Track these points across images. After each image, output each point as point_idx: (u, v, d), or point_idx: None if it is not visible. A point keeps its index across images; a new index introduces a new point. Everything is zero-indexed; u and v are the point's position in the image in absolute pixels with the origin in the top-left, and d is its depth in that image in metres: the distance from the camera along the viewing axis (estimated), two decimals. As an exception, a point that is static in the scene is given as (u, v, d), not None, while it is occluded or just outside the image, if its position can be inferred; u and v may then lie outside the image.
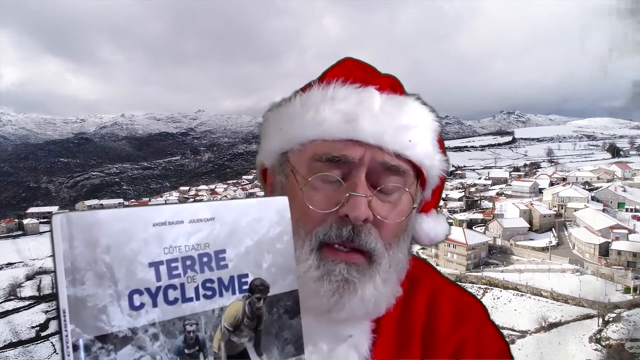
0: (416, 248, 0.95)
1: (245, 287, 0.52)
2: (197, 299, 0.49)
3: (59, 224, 0.42)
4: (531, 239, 54.76)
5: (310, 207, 0.75)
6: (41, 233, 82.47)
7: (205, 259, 0.50)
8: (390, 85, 0.86)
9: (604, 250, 46.68)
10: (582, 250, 49.27)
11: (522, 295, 42.70)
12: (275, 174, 0.86)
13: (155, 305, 0.46)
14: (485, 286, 44.26)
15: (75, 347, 0.41)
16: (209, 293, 0.49)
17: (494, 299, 42.12)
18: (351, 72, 0.85)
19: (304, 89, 0.86)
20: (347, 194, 0.74)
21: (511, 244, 53.58)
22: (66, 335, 0.42)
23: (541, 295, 41.75)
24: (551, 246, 50.86)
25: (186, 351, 0.47)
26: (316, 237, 0.75)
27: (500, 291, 43.79)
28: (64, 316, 0.42)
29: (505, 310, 40.50)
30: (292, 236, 0.56)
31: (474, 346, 0.83)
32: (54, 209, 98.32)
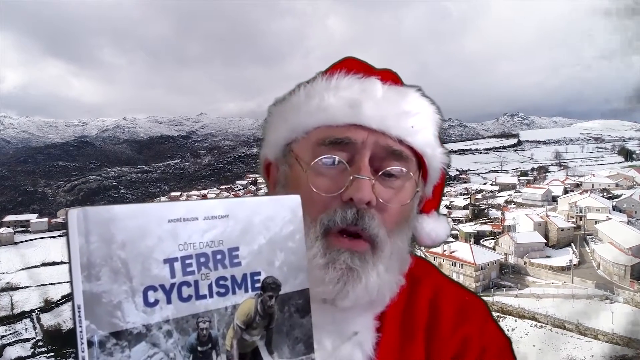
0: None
1: (258, 285, 0.52)
2: (211, 296, 0.49)
3: (75, 218, 0.42)
4: (548, 256, 47.96)
5: (315, 190, 0.76)
6: (16, 243, 76.58)
7: (219, 256, 0.50)
8: (391, 78, 0.88)
9: (637, 273, 40.13)
10: (610, 271, 42.63)
11: (541, 327, 36.30)
12: (279, 166, 0.87)
13: (169, 302, 0.46)
14: (497, 314, 37.76)
15: (90, 343, 0.41)
16: (222, 290, 0.50)
17: (508, 330, 35.67)
18: (353, 67, 0.87)
19: (308, 82, 0.88)
20: (351, 177, 0.75)
21: (525, 263, 46.93)
22: (81, 332, 0.42)
23: (565, 328, 35.28)
24: (573, 265, 44.24)
25: (199, 348, 0.47)
26: (321, 224, 0.76)
27: (515, 321, 37.33)
28: (79, 312, 0.42)
29: (523, 345, 34.10)
30: (304, 235, 0.57)
31: (477, 344, 0.84)
32: (32, 217, 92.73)
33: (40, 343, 47.91)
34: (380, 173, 0.78)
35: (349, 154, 0.78)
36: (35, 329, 50.22)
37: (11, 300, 54.22)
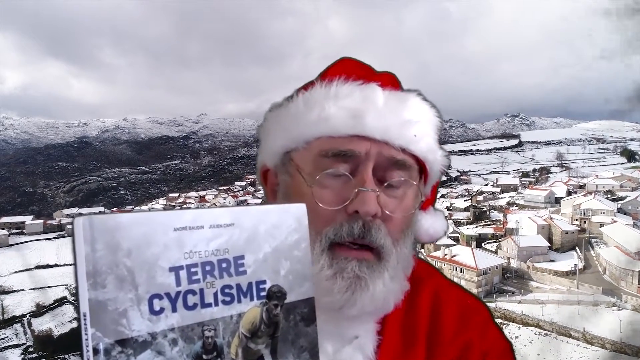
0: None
1: (263, 293, 0.52)
2: (216, 304, 0.49)
3: (81, 226, 0.42)
4: (552, 260, 46.45)
5: (320, 204, 0.75)
6: (11, 245, 75.43)
7: (224, 265, 0.50)
8: (391, 81, 0.87)
9: (646, 279, 38.84)
10: (616, 276, 41.13)
11: (546, 335, 35.00)
12: (279, 174, 0.86)
13: (174, 310, 0.46)
14: (500, 320, 36.50)
15: (96, 351, 0.41)
16: (228, 299, 0.50)
17: (512, 338, 34.37)
18: (351, 70, 0.85)
19: (305, 88, 0.86)
20: (356, 190, 0.74)
21: (529, 267, 45.51)
22: (86, 339, 0.42)
23: (570, 336, 33.94)
24: (578, 270, 42.80)
25: (204, 357, 0.47)
26: (326, 238, 0.75)
27: (519, 328, 36.05)
28: (85, 320, 0.42)
29: (527, 354, 32.89)
30: (309, 243, 0.56)
31: (479, 349, 0.83)
32: (27, 218, 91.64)
33: (31, 349, 46.79)
34: (384, 183, 0.77)
35: (352, 165, 0.77)
36: (25, 334, 49.06)
37: (2, 304, 53.07)
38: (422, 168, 0.84)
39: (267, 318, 0.52)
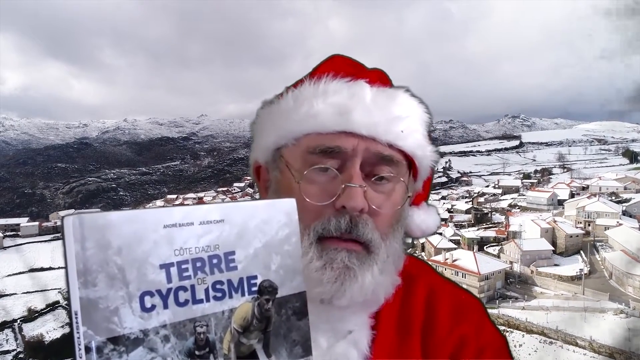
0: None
1: (254, 288, 0.52)
2: (207, 300, 0.49)
3: (71, 225, 0.42)
4: (556, 265, 45.20)
5: (308, 200, 0.76)
6: (5, 248, 74.30)
7: (215, 261, 0.50)
8: (380, 78, 0.88)
9: (654, 284, 37.60)
10: (623, 282, 39.90)
11: (551, 343, 33.73)
12: (270, 171, 0.87)
13: (166, 306, 0.46)
14: (503, 327, 35.21)
15: (88, 349, 0.42)
16: (219, 294, 0.50)
17: (515, 346, 33.17)
18: (340, 67, 0.86)
19: (295, 85, 0.88)
20: (343, 185, 0.75)
21: (532, 272, 44.20)
22: (78, 337, 0.42)
23: (577, 345, 32.67)
24: (584, 275, 41.47)
25: (197, 353, 0.47)
26: (315, 232, 0.76)
27: (523, 336, 34.80)
28: (76, 318, 0.42)
29: (531, 363, 31.63)
30: (299, 238, 0.57)
31: (475, 344, 0.83)
32: (22, 220, 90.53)
33: (22, 355, 45.62)
34: (372, 179, 0.79)
35: (339, 161, 0.78)
36: (16, 339, 47.92)
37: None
38: (411, 164, 0.84)
39: (258, 313, 0.52)
